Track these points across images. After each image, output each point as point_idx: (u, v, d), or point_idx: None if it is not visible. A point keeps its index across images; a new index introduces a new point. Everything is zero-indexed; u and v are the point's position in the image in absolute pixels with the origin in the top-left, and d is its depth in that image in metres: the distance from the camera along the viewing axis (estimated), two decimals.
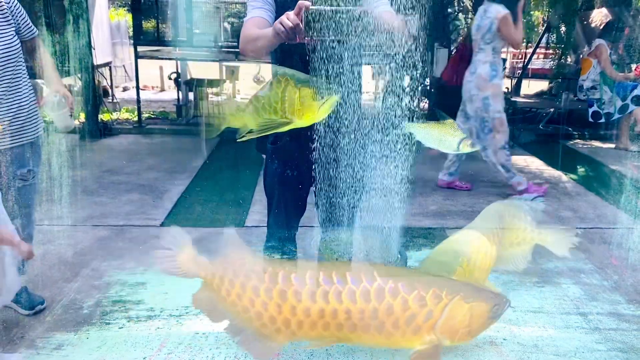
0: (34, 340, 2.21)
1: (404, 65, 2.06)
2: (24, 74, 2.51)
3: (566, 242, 2.37)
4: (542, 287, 2.90)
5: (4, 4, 2.40)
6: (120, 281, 2.86)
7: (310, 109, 1.92)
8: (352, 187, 2.40)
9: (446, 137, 2.26)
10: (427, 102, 7.76)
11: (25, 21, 2.50)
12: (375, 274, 1.65)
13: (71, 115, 2.65)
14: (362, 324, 1.62)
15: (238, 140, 2.09)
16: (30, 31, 2.53)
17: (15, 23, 2.44)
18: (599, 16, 7.22)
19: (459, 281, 1.89)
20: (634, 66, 7.31)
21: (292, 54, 2.06)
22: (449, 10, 8.41)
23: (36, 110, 2.58)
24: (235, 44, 8.14)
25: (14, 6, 2.45)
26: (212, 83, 8.22)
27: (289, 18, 1.90)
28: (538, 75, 10.69)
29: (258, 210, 4.19)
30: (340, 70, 2.07)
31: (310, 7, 1.86)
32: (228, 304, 1.70)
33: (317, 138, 2.22)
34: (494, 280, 2.67)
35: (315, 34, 1.90)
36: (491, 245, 2.11)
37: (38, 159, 2.61)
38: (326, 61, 2.02)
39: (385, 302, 1.61)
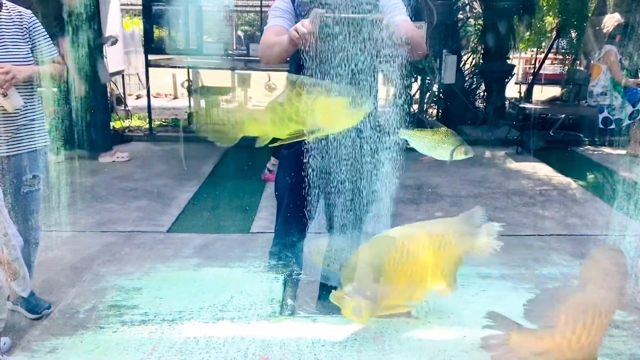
0: (30, 343, 2.28)
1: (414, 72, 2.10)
2: (36, 87, 2.63)
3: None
4: (534, 293, 2.88)
5: (24, 22, 2.51)
6: (118, 286, 2.91)
7: (342, 118, 1.94)
8: (362, 194, 2.43)
9: (440, 145, 2.28)
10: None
11: (47, 41, 2.61)
12: None
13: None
14: None
15: (272, 146, 2.09)
16: (50, 52, 2.63)
17: (31, 41, 2.55)
18: (610, 22, 7.17)
19: None
20: None
21: (307, 61, 2.09)
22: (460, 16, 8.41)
23: (44, 121, 2.69)
24: (246, 51, 8.24)
25: (32, 26, 2.55)
26: (223, 91, 8.31)
27: (304, 25, 1.95)
28: (551, 81, 10.63)
29: (264, 217, 4.24)
30: (355, 77, 2.10)
31: (325, 15, 1.91)
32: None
33: (333, 145, 2.26)
34: (486, 287, 2.67)
35: (329, 41, 1.95)
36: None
37: (44, 166, 2.71)
38: (340, 68, 2.06)
39: None
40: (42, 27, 2.59)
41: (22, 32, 2.51)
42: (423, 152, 2.30)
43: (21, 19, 2.52)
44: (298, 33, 1.96)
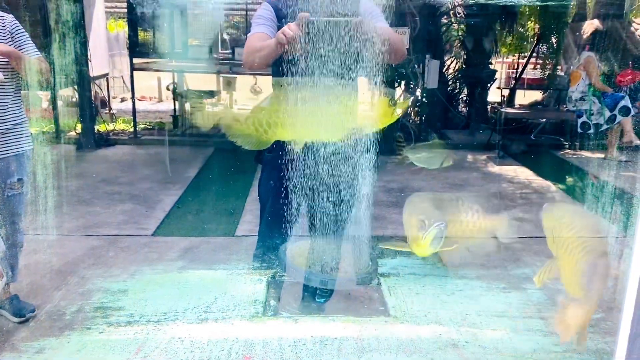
0: (17, 344, 2.32)
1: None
2: (20, 91, 2.67)
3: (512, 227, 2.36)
4: (508, 292, 2.98)
5: (7, 25, 2.55)
6: (104, 288, 2.94)
7: (386, 115, 2.03)
8: (343, 198, 2.49)
9: (432, 155, 2.39)
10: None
11: (29, 44, 2.63)
12: None
13: None
14: None
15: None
16: (34, 53, 2.65)
17: (14, 44, 2.57)
18: (589, 28, 7.31)
19: None
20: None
21: (293, 64, 2.17)
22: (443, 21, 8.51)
23: (28, 124, 2.73)
24: (231, 55, 8.28)
25: (14, 29, 2.59)
26: (209, 94, 8.33)
27: (291, 28, 2.04)
28: (532, 86, 10.79)
29: (249, 220, 4.28)
30: (338, 79, 2.18)
31: (311, 19, 1.99)
32: None
33: (315, 148, 2.32)
34: (463, 287, 2.75)
35: (314, 43, 2.03)
36: None
37: (28, 169, 2.74)
38: (327, 71, 2.13)
39: None
40: (24, 30, 2.63)
41: (4, 35, 2.54)
42: (420, 165, 2.41)
43: (3, 22, 2.56)
44: (286, 36, 2.05)
